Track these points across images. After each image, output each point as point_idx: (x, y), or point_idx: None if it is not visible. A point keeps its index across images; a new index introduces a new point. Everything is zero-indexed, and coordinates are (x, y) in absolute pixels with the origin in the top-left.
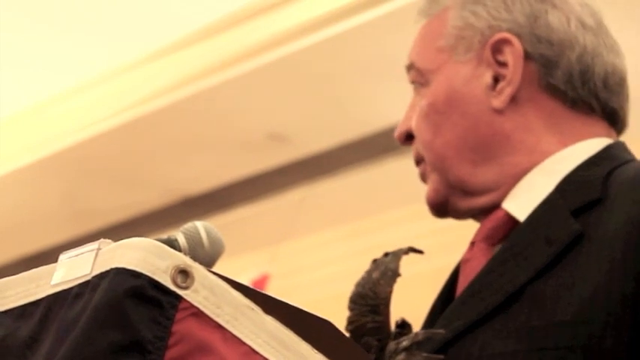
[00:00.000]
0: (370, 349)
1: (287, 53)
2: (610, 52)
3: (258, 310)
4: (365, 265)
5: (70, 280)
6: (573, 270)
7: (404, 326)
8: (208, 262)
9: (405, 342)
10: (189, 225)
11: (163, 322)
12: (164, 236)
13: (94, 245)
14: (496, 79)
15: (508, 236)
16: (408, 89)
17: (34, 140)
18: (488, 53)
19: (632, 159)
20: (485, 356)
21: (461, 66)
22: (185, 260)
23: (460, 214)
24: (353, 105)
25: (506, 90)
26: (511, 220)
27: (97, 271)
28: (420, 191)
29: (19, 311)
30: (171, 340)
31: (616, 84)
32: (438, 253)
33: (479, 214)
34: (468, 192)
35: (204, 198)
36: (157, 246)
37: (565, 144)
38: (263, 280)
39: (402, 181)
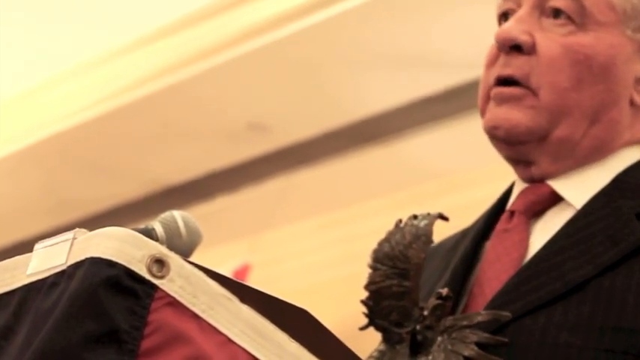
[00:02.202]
0: (391, 313)
1: (267, 42)
2: None
3: (234, 300)
4: (346, 254)
5: (45, 270)
6: None
7: (446, 299)
8: (186, 251)
9: (465, 321)
10: (166, 214)
11: (139, 311)
12: (142, 226)
13: (69, 235)
14: None
15: (545, 212)
16: (388, 79)
17: (15, 130)
18: None
19: None
20: (549, 344)
21: (627, 42)
22: (161, 249)
23: (517, 158)
24: (333, 94)
25: None
26: (554, 198)
27: (72, 261)
28: (401, 180)
29: None
30: (147, 330)
31: None
32: None
33: (524, 172)
34: (555, 153)
35: (184, 188)
36: (133, 235)
37: (631, 144)
38: (244, 269)
39: (383, 169)
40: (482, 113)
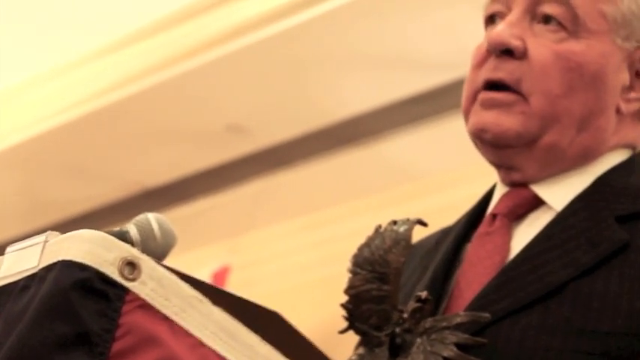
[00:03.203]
0: (370, 317)
1: (246, 44)
2: None
3: (206, 302)
4: (326, 256)
5: (17, 273)
6: (620, 278)
7: (425, 301)
8: (160, 253)
9: (444, 322)
10: (141, 217)
11: (110, 314)
12: (116, 228)
13: (41, 237)
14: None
15: (527, 216)
16: (368, 80)
17: None
18: (638, 57)
19: None
20: (528, 348)
21: (617, 51)
22: (132, 252)
23: (501, 163)
24: (312, 96)
25: (635, 104)
26: (536, 201)
27: (44, 264)
28: (381, 182)
29: None
30: (118, 333)
31: None
32: None
33: (507, 176)
34: (543, 159)
35: (163, 190)
36: (104, 238)
37: (614, 148)
38: (224, 272)
39: (363, 171)
40: (467, 114)
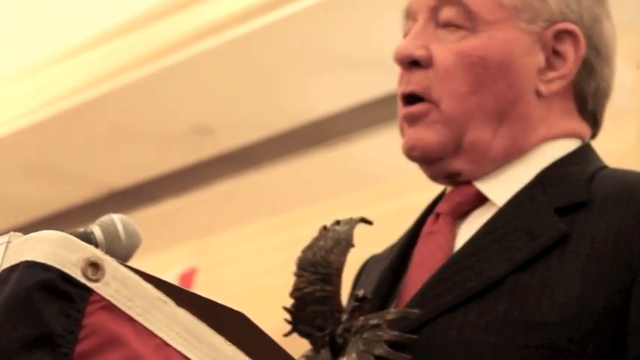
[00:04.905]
0: (316, 318)
1: (212, 45)
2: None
3: (170, 303)
4: (292, 258)
5: None
6: (558, 270)
7: (363, 300)
8: (125, 254)
9: (375, 319)
10: (105, 218)
11: (74, 315)
12: (81, 229)
13: (4, 238)
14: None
15: (471, 213)
16: (334, 81)
17: None
18: (549, 37)
19: (606, 165)
20: (464, 343)
21: (523, 35)
22: (96, 253)
23: (440, 174)
24: (278, 97)
25: (557, 83)
26: (479, 198)
27: (6, 265)
28: (349, 184)
29: None
30: (82, 334)
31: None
32: (369, 245)
33: (450, 182)
34: (472, 159)
35: (130, 191)
36: (67, 239)
37: (556, 137)
38: (191, 273)
39: (329, 173)
40: (402, 133)
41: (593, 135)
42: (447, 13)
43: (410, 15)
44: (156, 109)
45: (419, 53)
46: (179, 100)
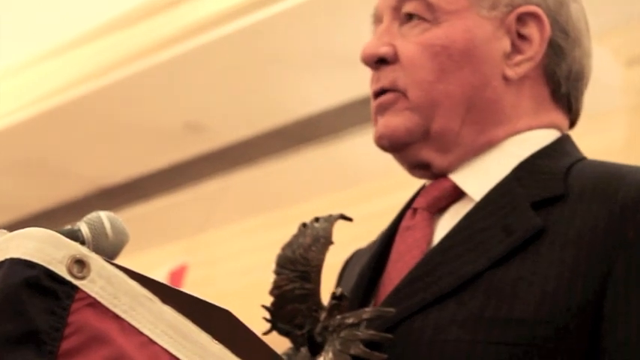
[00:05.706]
0: (295, 316)
1: (203, 42)
2: (590, 58)
3: (156, 301)
4: None
5: None
6: (534, 265)
7: (341, 298)
8: (112, 252)
9: (351, 318)
10: (92, 215)
11: (59, 312)
12: (68, 226)
13: None
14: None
15: (449, 208)
16: (327, 79)
17: None
18: (512, 21)
19: (584, 157)
20: (440, 341)
21: (484, 22)
22: (81, 250)
23: (411, 162)
24: (270, 94)
25: (524, 65)
26: (457, 192)
27: None
28: (340, 181)
29: None
30: (67, 331)
31: (584, 89)
32: (363, 244)
33: (425, 173)
34: (441, 147)
35: (120, 188)
36: (53, 236)
37: (531, 129)
38: (181, 270)
39: (320, 170)
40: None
41: (572, 124)
42: (408, 7)
43: (377, 19)
44: (147, 106)
45: (384, 50)
46: (170, 97)
